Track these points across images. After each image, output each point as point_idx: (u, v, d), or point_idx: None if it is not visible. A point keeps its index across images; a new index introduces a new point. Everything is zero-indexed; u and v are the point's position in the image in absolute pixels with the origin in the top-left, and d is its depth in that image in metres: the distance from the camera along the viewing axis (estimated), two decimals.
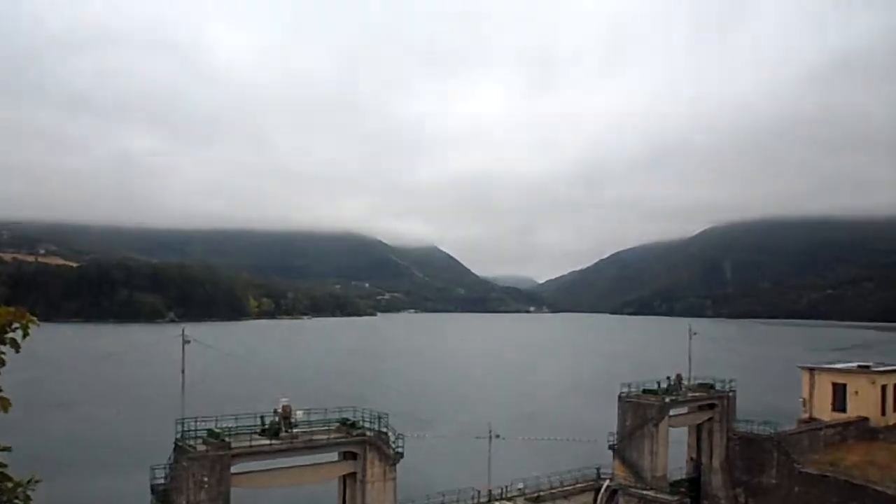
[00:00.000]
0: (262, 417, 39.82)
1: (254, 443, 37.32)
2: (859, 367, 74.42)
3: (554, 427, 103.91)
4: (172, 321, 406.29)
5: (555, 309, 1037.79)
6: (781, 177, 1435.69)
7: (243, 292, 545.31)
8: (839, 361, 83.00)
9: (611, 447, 60.60)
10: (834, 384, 71.78)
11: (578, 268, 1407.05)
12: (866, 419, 69.15)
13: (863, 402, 69.63)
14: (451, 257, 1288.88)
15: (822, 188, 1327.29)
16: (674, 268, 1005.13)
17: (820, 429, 66.11)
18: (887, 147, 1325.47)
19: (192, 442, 36.77)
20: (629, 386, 62.16)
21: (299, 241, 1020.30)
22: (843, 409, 70.58)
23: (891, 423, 70.52)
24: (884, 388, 70.63)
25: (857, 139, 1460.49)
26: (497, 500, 52.91)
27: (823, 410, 71.70)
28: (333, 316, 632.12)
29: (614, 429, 61.01)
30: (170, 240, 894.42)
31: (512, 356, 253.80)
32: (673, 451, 61.04)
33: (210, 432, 37.38)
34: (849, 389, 70.77)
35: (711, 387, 65.34)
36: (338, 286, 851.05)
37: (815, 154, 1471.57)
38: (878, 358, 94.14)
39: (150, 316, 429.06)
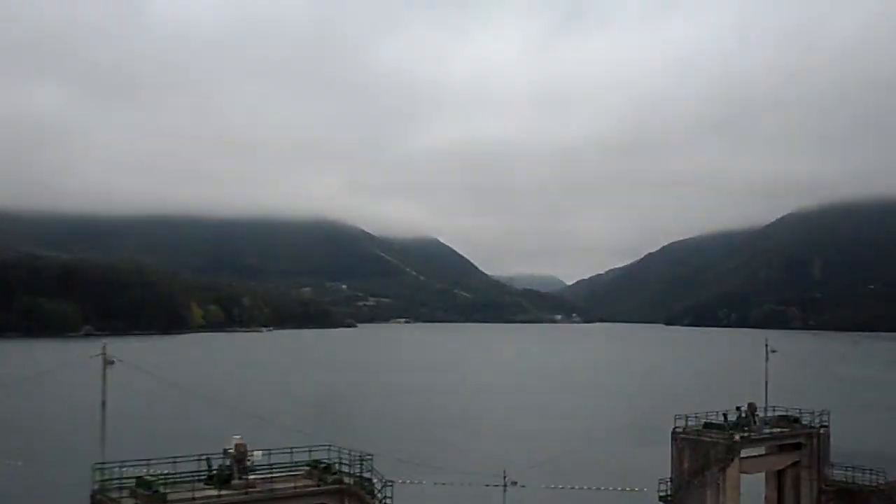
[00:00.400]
0: (207, 460, 39.80)
1: (198, 494, 37.14)
2: None
3: (587, 472, 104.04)
4: (90, 335, 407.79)
5: (588, 318, 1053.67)
6: (892, 146, 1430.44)
7: (184, 298, 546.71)
8: None
9: (662, 499, 60.86)
10: None
11: (620, 265, 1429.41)
12: None
13: None
14: (454, 252, 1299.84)
15: None
16: (746, 265, 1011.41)
17: None
18: None
19: (115, 494, 36.54)
20: (686, 419, 62.30)
21: (257, 232, 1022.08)
22: None
23: None
24: None
25: None
26: None
27: None
28: (301, 328, 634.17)
29: (667, 475, 61.16)
30: (86, 230, 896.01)
31: (532, 381, 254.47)
32: None
33: (139, 481, 37.15)
34: None
35: (796, 420, 65.59)
36: (307, 289, 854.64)
37: None
38: None
39: (61, 329, 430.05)
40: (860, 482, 62.19)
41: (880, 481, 61.79)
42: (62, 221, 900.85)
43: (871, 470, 63.17)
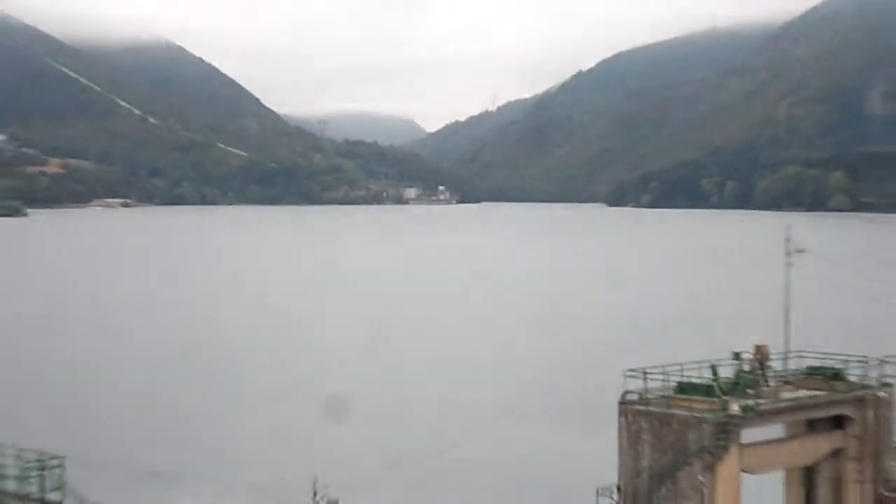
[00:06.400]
0: None
1: None
2: None
3: (471, 479, 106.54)
4: None
5: (468, 195, 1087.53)
6: None
7: None
8: None
9: None
10: None
11: (523, 97, 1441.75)
12: None
13: None
14: (215, 72, 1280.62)
15: None
16: (753, 96, 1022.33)
17: None
18: None
19: None
20: (645, 376, 63.18)
21: None
22: None
23: None
24: None
25: None
26: None
27: None
28: None
29: (611, 478, 62.79)
30: None
31: (370, 321, 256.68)
32: None
33: None
34: None
35: (837, 376, 67.57)
36: None
37: None
38: None
39: None
40: None
41: None
42: None
43: None
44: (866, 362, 67.57)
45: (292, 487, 71.80)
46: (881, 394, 66.15)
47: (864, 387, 66.59)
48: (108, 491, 47.08)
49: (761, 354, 66.31)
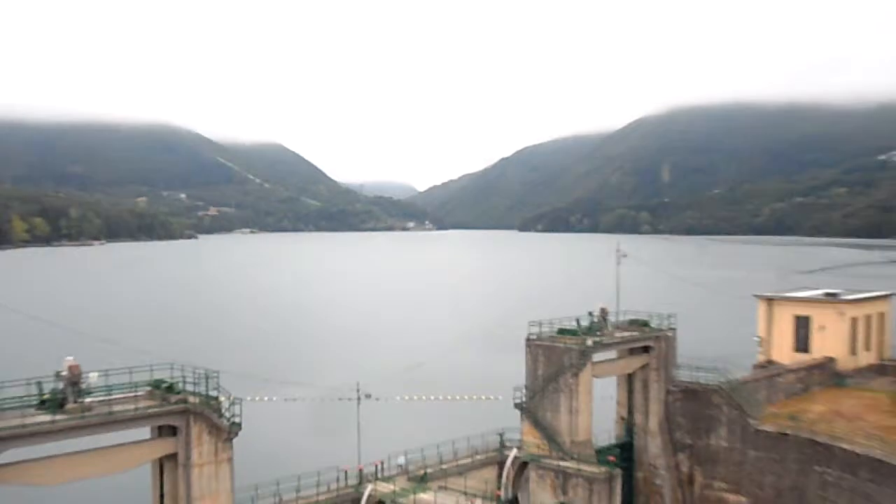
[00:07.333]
0: (38, 384, 38.13)
1: (28, 420, 35.85)
2: (826, 295, 79.40)
3: (443, 383, 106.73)
4: None
5: (442, 225, 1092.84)
6: (741, 51, 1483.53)
7: (4, 210, 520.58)
8: (805, 288, 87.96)
9: (518, 406, 62.90)
10: (796, 317, 76.77)
11: (473, 170, 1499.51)
12: (832, 360, 74.52)
13: (829, 339, 74.79)
14: (300, 158, 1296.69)
15: (791, 67, 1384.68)
16: (598, 170, 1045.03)
17: (779, 374, 70.56)
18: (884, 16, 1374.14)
19: None
20: (540, 325, 64.07)
21: (85, 137, 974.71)
22: (807, 349, 75.77)
23: (861, 364, 76.34)
24: (854, 321, 75.78)
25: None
26: (371, 481, 53.04)
27: (783, 351, 76.84)
28: (136, 240, 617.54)
29: (522, 382, 63.10)
30: None
31: (385, 290, 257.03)
32: (599, 408, 64.19)
33: None
34: (813, 324, 75.70)
35: (646, 324, 68.40)
36: (142, 199, 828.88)
37: (784, 22, 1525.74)
38: (852, 283, 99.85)
39: None
40: (704, 382, 65.15)
41: (721, 380, 64.80)
42: None
43: (713, 369, 66.47)
44: (661, 316, 68.46)
45: (345, 386, 71.67)
46: (668, 333, 67.24)
47: (660, 330, 67.66)
48: (243, 389, 46.59)
49: (604, 312, 67.53)
